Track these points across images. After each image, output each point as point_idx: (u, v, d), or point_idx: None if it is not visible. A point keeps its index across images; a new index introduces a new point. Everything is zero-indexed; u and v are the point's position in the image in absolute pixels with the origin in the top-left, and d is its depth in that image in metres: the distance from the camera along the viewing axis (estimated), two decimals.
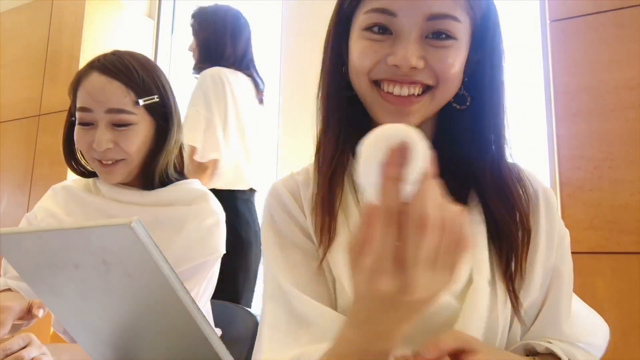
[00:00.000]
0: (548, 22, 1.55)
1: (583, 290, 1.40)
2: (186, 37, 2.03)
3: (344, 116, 0.67)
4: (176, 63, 2.79)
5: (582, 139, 1.46)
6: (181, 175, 1.13)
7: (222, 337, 0.69)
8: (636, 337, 1.31)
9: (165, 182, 1.08)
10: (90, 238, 0.51)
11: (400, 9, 0.60)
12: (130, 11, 2.61)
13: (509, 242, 0.63)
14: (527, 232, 0.63)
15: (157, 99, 1.01)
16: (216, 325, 1.03)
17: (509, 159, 0.67)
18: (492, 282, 0.62)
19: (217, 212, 1.07)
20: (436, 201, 0.40)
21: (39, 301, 0.81)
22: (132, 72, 0.99)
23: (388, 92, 0.62)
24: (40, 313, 0.81)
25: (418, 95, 0.62)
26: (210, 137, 1.73)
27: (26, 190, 2.43)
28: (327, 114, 0.68)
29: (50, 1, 2.56)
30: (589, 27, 1.49)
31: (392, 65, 0.60)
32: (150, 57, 2.69)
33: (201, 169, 1.73)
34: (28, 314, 0.82)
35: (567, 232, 0.69)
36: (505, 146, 0.66)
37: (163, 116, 1.05)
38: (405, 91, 0.62)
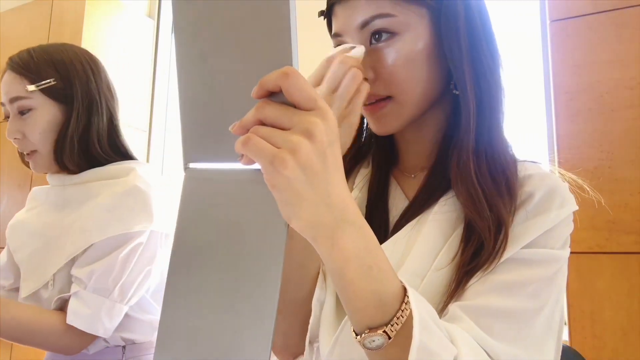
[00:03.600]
0: (548, 22, 1.54)
1: (583, 290, 1.40)
2: None
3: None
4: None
5: (582, 139, 1.46)
6: (125, 157, 1.12)
7: None
8: (636, 337, 1.31)
9: (97, 164, 1.08)
10: None
11: (340, 28, 0.64)
12: (130, 11, 2.60)
13: (476, 236, 0.58)
14: (495, 229, 0.58)
15: (54, 82, 1.05)
16: None
17: (509, 153, 0.65)
18: (442, 271, 0.59)
19: (136, 185, 1.01)
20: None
21: None
22: (27, 62, 1.07)
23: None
24: None
25: (382, 101, 0.63)
26: None
27: (26, 190, 2.43)
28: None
29: (50, 1, 2.55)
30: (589, 27, 1.49)
31: None
32: (150, 57, 2.69)
33: None
34: None
35: (561, 255, 0.60)
36: (476, 137, 0.62)
37: (65, 99, 1.06)
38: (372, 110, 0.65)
